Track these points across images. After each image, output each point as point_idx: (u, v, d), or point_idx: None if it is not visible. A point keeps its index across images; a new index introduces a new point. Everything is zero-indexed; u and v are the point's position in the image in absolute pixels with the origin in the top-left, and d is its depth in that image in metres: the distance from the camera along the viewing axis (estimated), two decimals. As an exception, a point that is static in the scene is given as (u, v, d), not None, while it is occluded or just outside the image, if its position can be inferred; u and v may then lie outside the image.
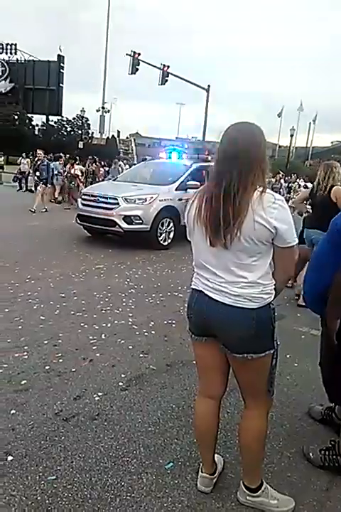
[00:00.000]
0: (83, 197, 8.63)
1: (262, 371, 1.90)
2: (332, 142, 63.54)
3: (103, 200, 8.04)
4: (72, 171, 14.95)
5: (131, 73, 23.06)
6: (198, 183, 7.98)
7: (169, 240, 8.33)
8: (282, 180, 20.79)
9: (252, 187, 1.72)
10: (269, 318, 1.83)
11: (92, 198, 8.24)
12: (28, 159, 19.09)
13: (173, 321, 4.37)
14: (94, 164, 17.67)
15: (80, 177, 15.19)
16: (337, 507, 2.14)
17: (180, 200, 8.24)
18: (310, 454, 2.43)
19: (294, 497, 2.11)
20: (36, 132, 44.63)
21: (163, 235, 8.22)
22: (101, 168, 19.00)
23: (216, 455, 2.20)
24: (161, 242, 8.18)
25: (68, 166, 15.62)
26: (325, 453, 2.38)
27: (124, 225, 7.77)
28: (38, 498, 2.02)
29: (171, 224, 8.34)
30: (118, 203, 7.83)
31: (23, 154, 19.77)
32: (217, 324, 1.86)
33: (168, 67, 23.20)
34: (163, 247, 8.14)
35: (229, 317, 1.81)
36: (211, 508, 2.04)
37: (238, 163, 1.72)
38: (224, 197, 1.73)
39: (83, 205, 8.44)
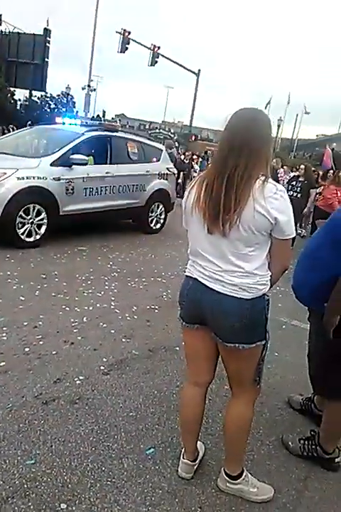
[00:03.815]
0: None
1: (251, 361, 1.90)
2: (316, 135, 63.74)
3: None
4: None
5: (121, 52, 22.56)
6: (86, 158, 6.42)
7: (38, 235, 5.95)
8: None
9: (255, 175, 1.70)
10: (263, 309, 1.82)
11: None
12: None
13: (156, 307, 4.35)
14: None
15: None
16: (315, 497, 2.18)
17: (58, 179, 6.03)
18: (290, 443, 2.47)
19: (272, 485, 2.14)
20: (18, 107, 43.40)
21: (27, 226, 5.75)
22: None
23: (198, 442, 2.20)
24: (23, 236, 5.73)
25: None
26: (304, 443, 2.42)
27: None
28: (16, 482, 1.98)
29: (42, 213, 5.92)
30: None
31: None
32: (210, 312, 1.85)
33: (159, 48, 22.87)
34: (28, 244, 5.77)
35: (223, 306, 1.79)
36: (191, 495, 2.05)
37: (242, 151, 1.69)
38: (227, 184, 1.70)
39: None
